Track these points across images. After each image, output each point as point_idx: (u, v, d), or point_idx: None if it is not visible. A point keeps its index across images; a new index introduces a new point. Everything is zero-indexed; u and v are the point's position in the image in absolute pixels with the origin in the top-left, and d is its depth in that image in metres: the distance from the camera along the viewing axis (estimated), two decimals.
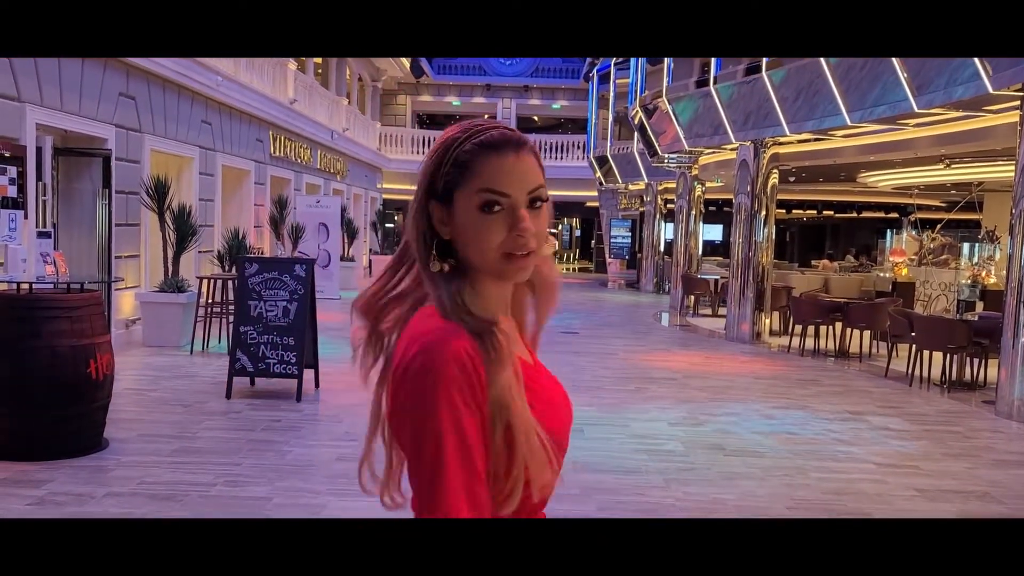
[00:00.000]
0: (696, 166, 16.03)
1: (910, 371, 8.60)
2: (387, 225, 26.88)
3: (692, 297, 15.75)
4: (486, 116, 31.20)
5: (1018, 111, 7.38)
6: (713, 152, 14.28)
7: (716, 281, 15.36)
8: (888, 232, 17.08)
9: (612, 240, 25.20)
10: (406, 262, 1.18)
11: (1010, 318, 7.25)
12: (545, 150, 27.12)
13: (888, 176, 14.55)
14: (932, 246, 13.70)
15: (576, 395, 7.26)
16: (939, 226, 15.22)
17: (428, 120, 32.70)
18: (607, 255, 25.84)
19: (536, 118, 31.99)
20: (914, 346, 8.64)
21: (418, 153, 26.87)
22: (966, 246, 12.85)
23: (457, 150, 1.11)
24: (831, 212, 28.02)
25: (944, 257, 13.52)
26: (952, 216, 15.86)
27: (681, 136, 13.97)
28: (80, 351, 4.90)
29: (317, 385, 7.13)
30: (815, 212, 28.55)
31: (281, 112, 14.97)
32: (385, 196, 26.88)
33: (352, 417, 6.24)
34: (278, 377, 6.77)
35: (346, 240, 18.56)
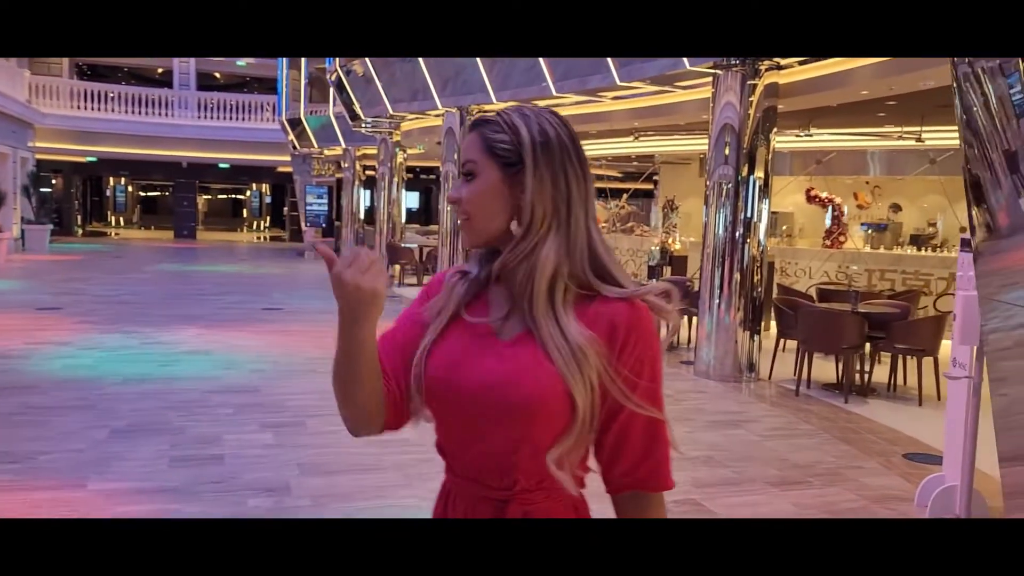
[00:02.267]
0: (398, 132, 15.64)
1: None
2: (43, 190, 23.23)
3: (398, 267, 15.33)
4: (160, 71, 28.54)
5: (710, 87, 7.84)
6: (417, 118, 13.97)
7: (420, 249, 15.15)
8: None
9: (308, 208, 24.05)
10: None
11: (707, 282, 7.72)
12: (229, 110, 25.24)
13: (585, 146, 15.25)
14: (621, 214, 14.62)
15: (293, 382, 6.59)
16: (625, 195, 16.31)
17: (90, 71, 28.82)
18: (302, 223, 24.68)
19: (218, 75, 29.57)
20: None
21: (79, 108, 23.56)
22: (653, 214, 13.86)
23: None
24: None
25: (630, 224, 14.50)
26: (635, 186, 17.08)
27: (385, 99, 13.47)
28: None
29: None
30: None
31: None
32: (40, 156, 23.22)
33: None
34: None
35: None
